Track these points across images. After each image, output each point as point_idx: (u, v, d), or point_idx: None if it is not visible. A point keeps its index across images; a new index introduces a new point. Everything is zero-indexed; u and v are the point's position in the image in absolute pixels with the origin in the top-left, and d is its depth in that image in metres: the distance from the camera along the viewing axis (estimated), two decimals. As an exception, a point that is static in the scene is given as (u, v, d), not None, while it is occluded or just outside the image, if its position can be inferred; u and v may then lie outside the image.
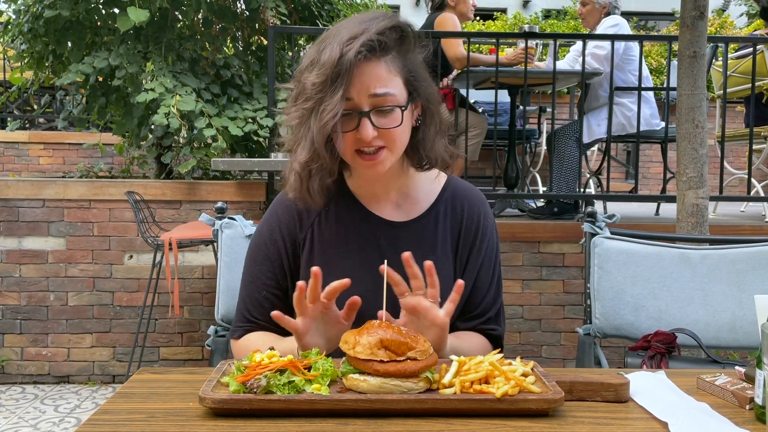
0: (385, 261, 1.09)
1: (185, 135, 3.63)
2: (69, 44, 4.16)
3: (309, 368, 0.96)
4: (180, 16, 4.23)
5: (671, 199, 3.27)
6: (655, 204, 4.41)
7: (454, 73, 4.25)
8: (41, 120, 7.04)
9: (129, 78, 3.81)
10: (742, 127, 4.99)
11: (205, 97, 3.81)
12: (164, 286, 3.52)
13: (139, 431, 0.86)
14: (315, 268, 1.06)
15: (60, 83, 3.97)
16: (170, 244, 3.12)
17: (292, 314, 1.10)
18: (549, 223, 3.61)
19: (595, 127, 3.93)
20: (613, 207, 4.74)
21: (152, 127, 3.90)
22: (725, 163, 4.00)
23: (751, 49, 3.91)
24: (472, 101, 4.72)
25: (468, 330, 1.31)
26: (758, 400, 0.93)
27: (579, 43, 4.07)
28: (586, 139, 3.88)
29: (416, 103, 1.23)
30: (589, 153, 5.55)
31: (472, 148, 4.10)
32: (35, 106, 6.84)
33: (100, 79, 4.04)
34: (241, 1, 4.30)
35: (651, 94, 4.03)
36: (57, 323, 3.66)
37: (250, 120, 3.75)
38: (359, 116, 1.15)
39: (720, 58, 4.42)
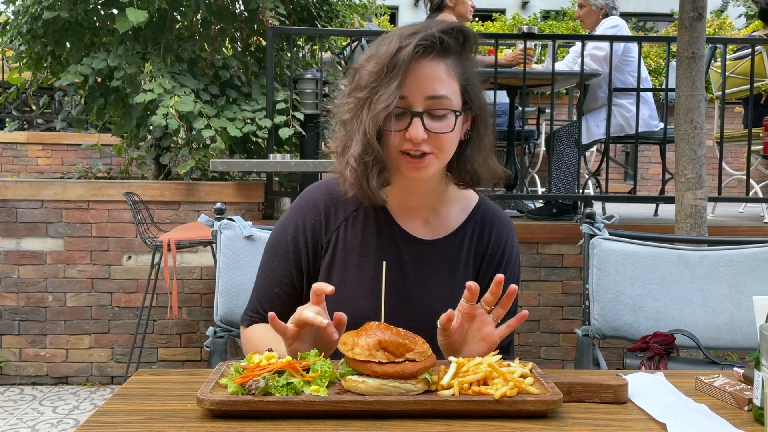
0: (384, 263, 1.09)
1: (184, 136, 3.62)
2: (68, 45, 4.15)
3: (307, 370, 0.96)
4: (179, 17, 4.23)
5: (670, 200, 3.27)
6: (654, 205, 4.41)
7: (453, 74, 4.25)
8: (40, 121, 7.04)
9: (128, 79, 3.81)
10: (741, 128, 4.99)
11: (203, 97, 3.80)
12: (163, 287, 3.52)
13: (137, 433, 0.86)
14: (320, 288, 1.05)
15: (59, 84, 3.97)
16: (169, 245, 3.12)
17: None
18: (548, 224, 3.61)
19: (593, 128, 3.93)
20: (612, 208, 4.74)
21: (151, 127, 3.90)
22: (724, 164, 4.00)
23: (750, 50, 3.91)
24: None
25: None
26: (757, 402, 0.93)
27: (578, 44, 4.07)
28: (584, 140, 3.89)
29: (468, 114, 1.20)
30: (587, 154, 5.55)
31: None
32: (34, 107, 6.84)
33: (99, 79, 4.04)
34: (240, 2, 4.30)
35: (650, 95, 4.04)
36: (55, 324, 3.66)
37: (248, 121, 3.75)
38: (411, 116, 1.13)
39: (719, 59, 4.42)
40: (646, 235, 1.86)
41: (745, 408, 0.97)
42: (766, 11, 4.46)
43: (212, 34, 4.21)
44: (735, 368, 1.11)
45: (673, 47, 3.36)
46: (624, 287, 1.74)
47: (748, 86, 3.91)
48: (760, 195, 4.50)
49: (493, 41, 4.25)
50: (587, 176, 4.79)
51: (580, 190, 4.29)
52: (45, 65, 4.29)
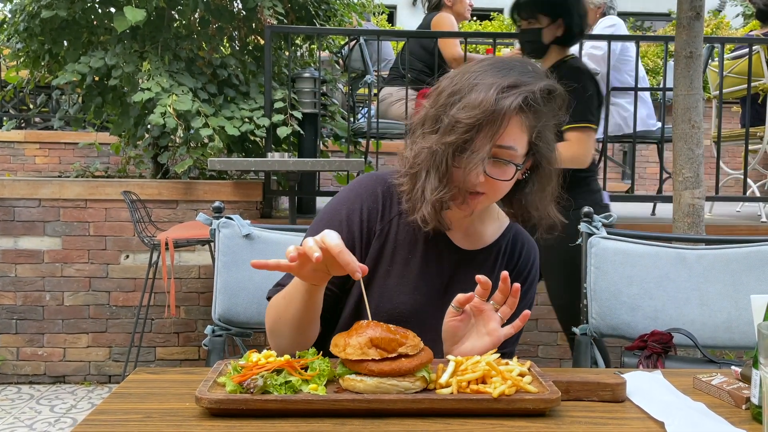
0: (365, 268, 1.09)
1: (182, 135, 3.62)
2: (65, 43, 4.14)
3: (306, 368, 0.96)
4: (177, 16, 4.22)
5: (667, 200, 3.28)
6: (652, 204, 4.42)
7: (451, 73, 4.25)
8: (37, 119, 7.02)
9: (125, 77, 3.80)
10: (738, 127, 5.00)
11: (201, 96, 3.80)
12: (161, 286, 3.51)
13: (135, 431, 0.86)
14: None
15: (56, 83, 3.96)
16: (167, 244, 3.12)
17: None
18: (546, 223, 3.61)
19: (591, 128, 3.93)
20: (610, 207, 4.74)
21: (149, 126, 3.89)
22: (721, 164, 4.01)
23: (747, 49, 3.92)
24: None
25: None
26: (754, 400, 0.93)
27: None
28: (582, 139, 3.88)
29: (531, 160, 1.22)
30: (585, 153, 5.55)
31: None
32: (31, 106, 6.82)
33: (97, 78, 4.03)
34: (238, 1, 4.29)
35: (647, 94, 4.04)
36: (53, 323, 3.65)
37: (246, 120, 3.75)
38: (475, 158, 1.14)
39: (716, 59, 4.43)
40: (643, 234, 1.86)
41: (743, 406, 0.97)
42: (764, 11, 4.46)
43: (210, 33, 4.20)
44: (733, 367, 1.11)
45: (671, 47, 3.36)
46: (622, 286, 1.74)
47: (746, 86, 3.91)
48: (758, 194, 4.51)
49: (491, 40, 4.25)
50: (585, 175, 4.78)
51: (578, 190, 4.29)
52: (42, 64, 4.28)
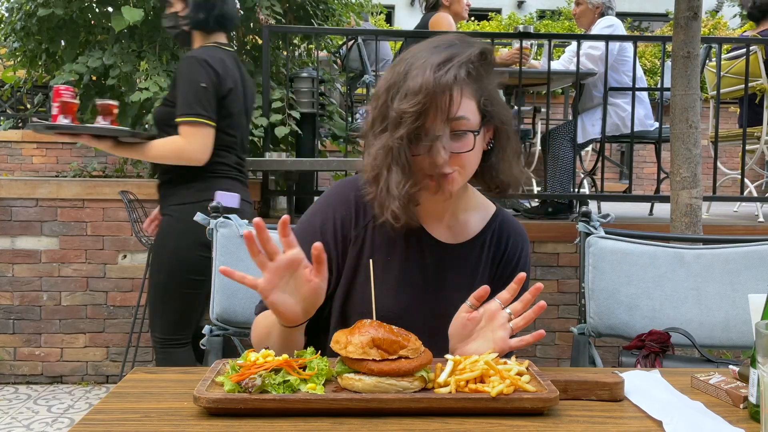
0: (371, 261, 1.11)
1: (179, 134, 3.61)
2: (62, 43, 4.14)
3: (304, 367, 0.95)
4: (174, 15, 4.21)
5: (665, 199, 3.28)
6: (649, 204, 4.42)
7: (449, 73, 4.25)
8: (34, 119, 7.01)
9: (123, 77, 3.80)
10: (736, 127, 5.01)
11: (199, 96, 3.79)
12: (158, 286, 3.51)
13: (133, 431, 0.85)
14: (256, 219, 1.02)
15: (53, 82, 3.95)
16: (164, 244, 3.11)
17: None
18: (543, 223, 3.62)
19: (589, 128, 3.94)
20: (607, 207, 4.75)
21: (146, 126, 3.89)
22: (719, 164, 4.01)
23: (745, 49, 3.93)
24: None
25: None
26: (752, 399, 0.93)
27: (574, 44, 4.08)
28: (580, 140, 3.89)
29: (489, 126, 1.22)
30: (583, 153, 5.55)
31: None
32: (28, 105, 6.81)
33: (94, 78, 4.03)
34: (236, 0, 4.29)
35: (645, 94, 4.05)
36: (50, 323, 3.64)
37: (244, 119, 3.74)
38: (433, 139, 1.14)
39: (713, 59, 4.44)
40: (641, 234, 1.86)
41: (741, 405, 0.97)
42: (752, 13, 4.47)
43: (208, 33, 4.19)
44: (730, 366, 1.11)
45: (669, 47, 3.36)
46: (620, 285, 1.75)
47: (743, 86, 3.92)
48: (755, 194, 4.52)
49: (489, 40, 4.25)
50: (583, 175, 4.80)
51: (576, 189, 4.30)
52: (39, 63, 4.27)
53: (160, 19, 4.04)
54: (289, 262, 1.05)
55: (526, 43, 3.92)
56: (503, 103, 1.24)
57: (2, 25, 4.19)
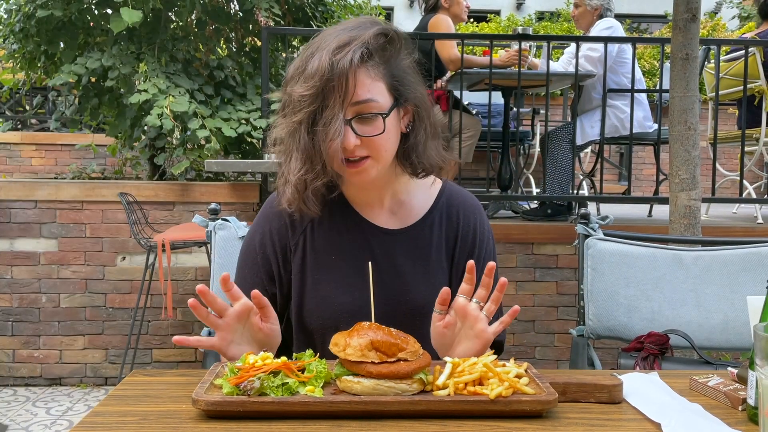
0: (369, 263, 1.10)
1: (178, 136, 3.61)
2: (61, 44, 4.14)
3: (302, 370, 0.95)
4: (173, 17, 4.22)
5: (664, 201, 3.28)
6: (648, 206, 4.43)
7: (448, 74, 4.26)
8: (33, 121, 7.01)
9: (122, 79, 3.80)
10: (734, 129, 5.01)
11: (198, 98, 3.80)
12: (157, 288, 3.51)
13: (131, 434, 0.85)
14: (199, 287, 1.03)
15: (52, 84, 3.95)
16: (163, 246, 3.11)
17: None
18: (542, 225, 3.62)
19: (588, 129, 3.94)
20: (606, 209, 4.75)
21: (145, 128, 3.89)
22: (717, 165, 4.02)
23: (743, 51, 3.93)
24: (466, 103, 4.72)
25: None
26: (751, 401, 0.93)
27: (572, 45, 4.09)
28: (579, 141, 3.90)
29: (405, 108, 1.20)
30: (582, 155, 5.57)
31: (466, 149, 4.10)
32: (27, 107, 6.81)
33: (93, 79, 4.03)
34: (235, 2, 4.29)
35: (644, 96, 4.05)
36: (49, 325, 3.64)
37: (243, 121, 3.74)
38: (337, 124, 1.12)
39: (712, 61, 4.44)
40: (640, 236, 1.87)
41: (739, 408, 0.97)
42: (764, 9, 4.47)
43: (207, 35, 4.20)
44: (729, 368, 1.11)
45: (667, 49, 3.37)
46: (618, 287, 1.75)
47: (742, 87, 3.93)
48: (754, 196, 4.52)
49: (488, 42, 4.26)
50: (582, 177, 4.80)
51: (575, 191, 4.30)
52: (38, 65, 4.27)
53: (159, 21, 4.05)
54: (238, 315, 1.08)
55: (525, 44, 3.92)
56: (418, 84, 1.21)
57: (1, 27, 4.19)
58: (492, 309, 1.08)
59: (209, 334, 1.73)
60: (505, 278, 1.07)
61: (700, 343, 1.68)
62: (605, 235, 1.82)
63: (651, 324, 1.71)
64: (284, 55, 4.19)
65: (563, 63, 4.26)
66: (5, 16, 4.18)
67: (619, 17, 4.61)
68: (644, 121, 3.96)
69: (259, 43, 4.32)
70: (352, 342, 0.95)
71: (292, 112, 1.14)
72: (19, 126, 6.95)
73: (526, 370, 0.99)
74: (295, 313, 1.28)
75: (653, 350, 1.58)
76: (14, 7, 4.04)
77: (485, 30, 8.95)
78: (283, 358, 0.96)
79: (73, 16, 4.00)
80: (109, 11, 4.01)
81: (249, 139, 3.94)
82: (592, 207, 4.45)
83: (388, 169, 1.22)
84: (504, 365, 0.97)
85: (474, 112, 4.75)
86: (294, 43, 4.67)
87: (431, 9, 4.26)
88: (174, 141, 3.81)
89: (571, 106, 4.46)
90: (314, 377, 0.94)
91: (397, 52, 1.18)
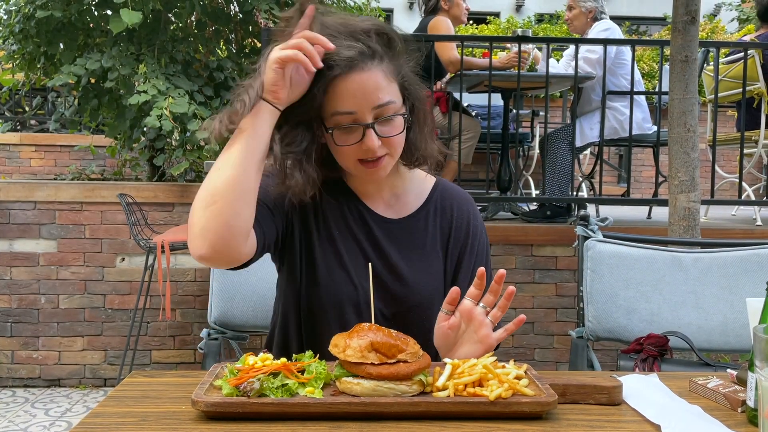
0: (370, 264, 1.12)
1: (178, 137, 3.61)
2: (61, 45, 4.14)
3: (302, 371, 0.95)
4: (173, 18, 4.22)
5: (663, 203, 3.28)
6: (647, 207, 4.43)
7: (448, 76, 4.27)
8: (33, 122, 7.01)
9: (121, 80, 3.80)
10: (734, 131, 5.02)
11: (198, 99, 3.80)
12: (156, 289, 3.50)
13: (131, 435, 0.85)
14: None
15: (52, 85, 3.95)
16: (162, 247, 3.11)
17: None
18: (542, 227, 3.62)
19: (587, 131, 3.95)
20: (606, 210, 4.75)
21: (144, 129, 3.89)
22: (716, 167, 4.02)
23: (742, 53, 3.94)
24: (465, 105, 4.72)
25: None
26: (750, 403, 0.93)
27: (572, 47, 4.09)
28: (578, 143, 3.90)
29: (407, 104, 1.23)
30: (581, 156, 5.57)
31: (466, 151, 4.11)
32: (26, 108, 6.81)
33: (93, 80, 4.02)
34: (235, 4, 4.29)
35: (643, 98, 4.05)
36: (48, 326, 3.64)
37: (243, 122, 3.74)
38: (364, 128, 1.15)
39: (711, 63, 4.45)
40: (639, 238, 1.87)
41: (739, 409, 0.97)
42: (763, 13, 4.47)
43: (207, 36, 4.20)
44: (728, 370, 1.11)
45: (667, 51, 3.37)
46: (618, 289, 1.75)
47: (741, 90, 3.93)
48: (753, 198, 4.53)
49: (487, 44, 4.26)
50: (581, 179, 4.80)
51: (574, 193, 4.30)
52: (38, 66, 4.27)
53: (158, 22, 4.05)
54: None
55: (525, 46, 3.92)
56: (418, 81, 1.25)
57: (1, 28, 4.19)
58: (498, 316, 1.09)
59: (208, 335, 1.73)
60: (513, 287, 1.08)
61: (700, 344, 1.68)
62: (604, 236, 1.83)
63: (650, 326, 1.71)
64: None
65: (563, 65, 4.27)
66: (5, 17, 4.18)
67: (618, 19, 4.62)
68: (643, 123, 3.97)
69: (258, 45, 4.32)
70: (352, 343, 0.95)
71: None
72: (18, 127, 6.95)
73: (525, 372, 0.99)
74: (306, 300, 1.26)
75: (653, 352, 1.59)
76: (14, 8, 4.04)
77: (485, 32, 8.96)
78: (283, 360, 0.96)
79: (73, 17, 4.00)
80: (109, 12, 4.01)
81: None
82: (591, 209, 4.45)
83: None
84: (504, 367, 0.97)
85: (473, 113, 4.75)
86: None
87: (431, 11, 4.26)
88: (173, 142, 3.80)
89: (570, 108, 4.46)
90: (314, 378, 0.94)
91: (402, 51, 1.21)
